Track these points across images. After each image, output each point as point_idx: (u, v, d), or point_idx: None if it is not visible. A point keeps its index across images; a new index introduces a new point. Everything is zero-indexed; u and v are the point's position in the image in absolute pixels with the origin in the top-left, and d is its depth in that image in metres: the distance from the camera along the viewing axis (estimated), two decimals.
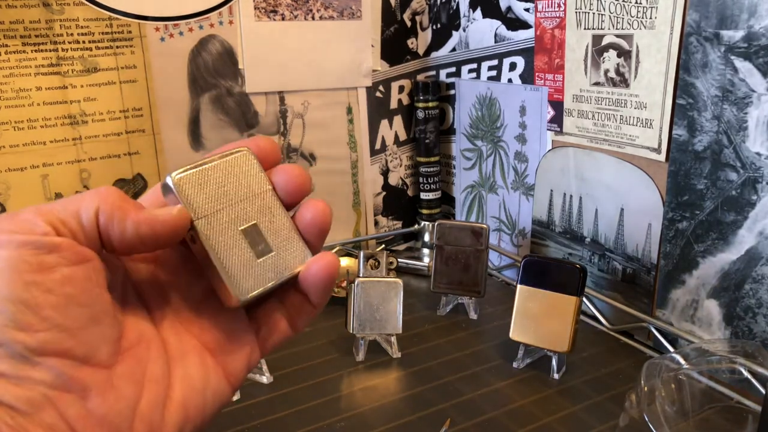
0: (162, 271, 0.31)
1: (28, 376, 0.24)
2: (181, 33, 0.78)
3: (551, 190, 0.80)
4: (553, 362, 0.64)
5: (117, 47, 0.75)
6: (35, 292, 0.24)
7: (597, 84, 0.70)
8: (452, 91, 0.94)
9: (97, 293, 0.26)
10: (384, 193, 0.98)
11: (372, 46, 0.91)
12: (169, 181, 0.29)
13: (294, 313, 0.32)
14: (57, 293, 0.25)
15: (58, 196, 0.74)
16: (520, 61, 0.81)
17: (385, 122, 0.96)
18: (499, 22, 0.82)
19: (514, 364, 0.66)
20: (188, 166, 0.30)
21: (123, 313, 0.28)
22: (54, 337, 0.24)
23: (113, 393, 0.26)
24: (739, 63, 0.56)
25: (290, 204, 0.32)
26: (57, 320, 0.25)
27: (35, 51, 0.70)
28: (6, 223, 0.25)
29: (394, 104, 0.96)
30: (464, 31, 0.89)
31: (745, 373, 0.53)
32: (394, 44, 0.93)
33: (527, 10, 0.77)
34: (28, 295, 0.24)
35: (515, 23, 0.80)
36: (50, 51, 0.71)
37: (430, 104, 0.94)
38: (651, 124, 0.65)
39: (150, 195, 0.31)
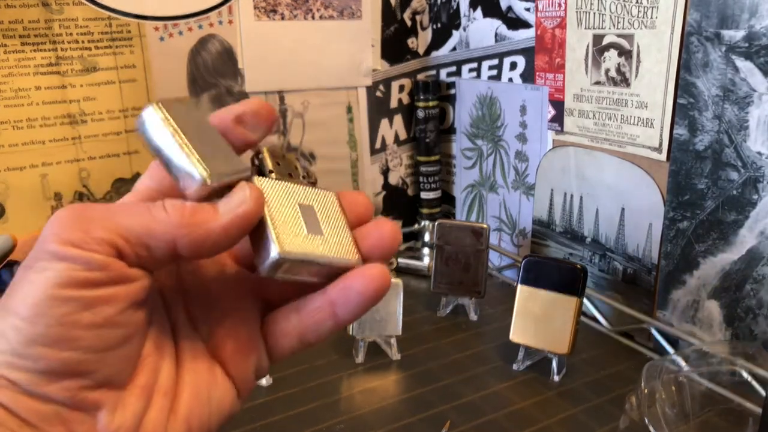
0: (186, 271, 0.30)
1: (43, 391, 0.24)
2: (180, 32, 0.78)
3: (552, 190, 0.80)
4: (554, 364, 0.64)
5: (116, 47, 0.74)
6: (74, 307, 0.23)
7: (598, 83, 0.70)
8: (452, 91, 0.94)
9: (132, 313, 0.25)
10: (384, 192, 0.98)
11: (372, 45, 0.91)
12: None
13: (310, 325, 0.29)
14: (95, 312, 0.24)
15: (57, 195, 0.74)
16: (520, 61, 0.80)
17: (385, 121, 0.95)
18: (499, 22, 0.82)
19: (514, 366, 0.66)
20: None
21: (150, 323, 0.27)
22: (79, 358, 0.24)
23: (122, 411, 0.25)
24: (740, 62, 0.55)
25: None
26: (86, 342, 0.24)
27: (34, 50, 0.70)
28: (65, 228, 0.24)
29: (394, 104, 0.96)
30: (464, 30, 0.88)
31: (746, 376, 0.53)
32: (395, 44, 0.93)
33: (528, 9, 0.77)
34: (64, 311, 0.23)
35: (516, 23, 0.79)
36: (49, 50, 0.71)
37: (431, 104, 0.94)
38: (652, 123, 0.65)
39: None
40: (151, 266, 0.26)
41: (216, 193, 0.26)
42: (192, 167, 0.26)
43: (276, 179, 0.29)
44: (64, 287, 0.23)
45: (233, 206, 0.26)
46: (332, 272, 0.28)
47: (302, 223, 0.28)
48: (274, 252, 0.26)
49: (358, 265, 0.28)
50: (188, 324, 0.29)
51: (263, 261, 0.26)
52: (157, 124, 0.27)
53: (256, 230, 0.27)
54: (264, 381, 0.63)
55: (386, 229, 0.29)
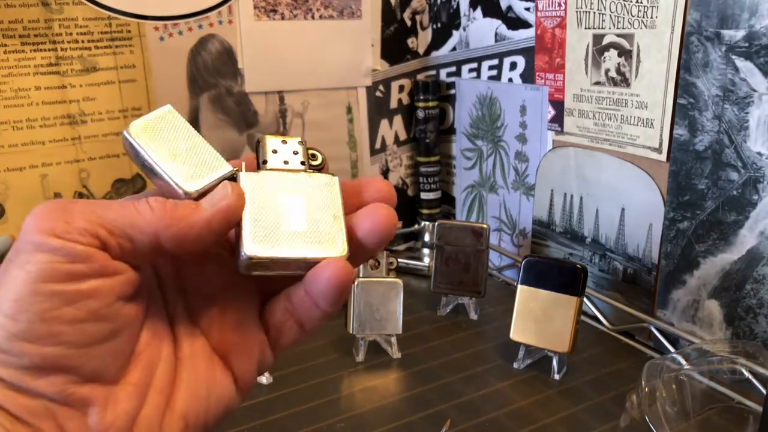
0: (183, 264, 0.30)
1: (30, 387, 0.24)
2: (180, 32, 0.78)
3: (552, 190, 0.80)
4: (554, 363, 0.64)
5: (116, 47, 0.74)
6: (56, 302, 0.23)
7: (598, 83, 0.70)
8: (452, 91, 0.94)
9: (119, 307, 0.25)
10: None
11: (372, 45, 0.91)
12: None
13: (302, 313, 0.29)
14: (78, 306, 0.24)
15: (57, 196, 0.74)
16: (520, 61, 0.80)
17: (385, 122, 0.95)
18: (499, 22, 0.82)
19: (515, 365, 0.66)
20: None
21: (144, 316, 0.27)
22: (63, 353, 0.24)
23: (113, 408, 0.25)
24: (740, 62, 0.55)
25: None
26: (70, 337, 0.24)
27: (34, 50, 0.70)
28: (47, 218, 0.24)
29: (394, 104, 0.96)
30: (464, 30, 0.88)
31: (746, 374, 0.53)
32: (394, 44, 0.93)
33: (528, 9, 0.77)
34: (47, 306, 0.23)
35: (516, 22, 0.79)
36: (49, 50, 0.71)
37: (430, 104, 0.94)
38: (652, 123, 0.65)
39: None
40: (135, 259, 0.26)
41: (201, 198, 0.28)
42: (172, 184, 0.27)
43: (269, 170, 0.29)
44: (45, 281, 0.23)
45: (215, 201, 0.27)
46: (311, 266, 0.28)
47: (282, 219, 0.28)
48: (243, 253, 0.27)
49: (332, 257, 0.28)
50: (188, 318, 0.29)
51: (236, 260, 0.28)
52: (133, 147, 0.28)
53: (236, 228, 0.28)
54: (264, 379, 0.63)
55: (381, 215, 0.29)
